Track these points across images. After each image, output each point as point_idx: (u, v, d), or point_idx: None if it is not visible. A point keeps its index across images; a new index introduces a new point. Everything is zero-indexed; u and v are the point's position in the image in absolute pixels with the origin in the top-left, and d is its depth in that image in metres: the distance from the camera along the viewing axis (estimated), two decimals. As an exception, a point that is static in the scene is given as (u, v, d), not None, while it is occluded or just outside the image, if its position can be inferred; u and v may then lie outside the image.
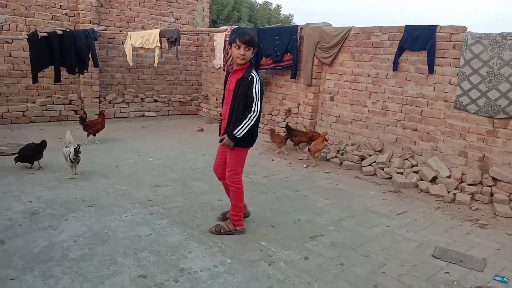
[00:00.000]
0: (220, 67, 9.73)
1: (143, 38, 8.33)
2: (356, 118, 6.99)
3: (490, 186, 5.09)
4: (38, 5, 8.05)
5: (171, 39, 8.19)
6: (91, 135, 6.90)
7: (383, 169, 5.95)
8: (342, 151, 6.68)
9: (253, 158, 6.57)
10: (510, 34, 5.03)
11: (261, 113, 3.58)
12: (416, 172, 5.74)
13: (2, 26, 7.72)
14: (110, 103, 9.16)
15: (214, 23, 14.12)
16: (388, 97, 6.48)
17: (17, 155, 5.37)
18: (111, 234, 3.61)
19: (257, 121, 3.53)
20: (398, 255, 3.55)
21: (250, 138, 3.59)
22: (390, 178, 5.78)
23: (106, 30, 8.84)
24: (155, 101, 9.92)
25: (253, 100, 3.43)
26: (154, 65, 8.72)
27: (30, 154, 5.33)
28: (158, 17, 9.79)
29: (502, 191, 4.96)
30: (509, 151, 5.15)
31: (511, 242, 3.94)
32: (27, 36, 7.23)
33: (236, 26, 8.45)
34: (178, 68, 10.35)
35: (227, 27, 8.61)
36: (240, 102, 3.48)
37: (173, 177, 5.34)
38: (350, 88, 7.06)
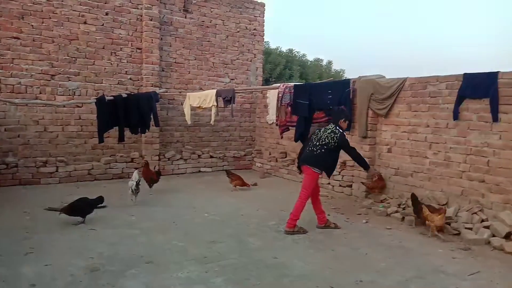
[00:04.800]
0: (272, 123, 9.88)
1: (201, 99, 8.73)
2: (417, 170, 6.69)
3: None
4: (106, 72, 8.78)
5: (227, 98, 8.50)
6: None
7: (449, 224, 5.54)
8: (404, 205, 6.33)
9: (309, 212, 6.39)
10: None
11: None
12: (487, 227, 5.28)
13: (75, 92, 8.46)
14: (169, 160, 9.51)
15: (266, 81, 14.58)
16: (450, 147, 6.17)
17: (67, 207, 5.46)
18: (167, 292, 3.58)
19: None
20: (476, 322, 3.19)
21: None
22: (459, 234, 5.36)
23: (166, 92, 9.38)
24: (211, 157, 10.18)
25: None
26: (211, 123, 9.03)
27: (83, 207, 5.53)
28: (215, 78, 10.29)
29: None
30: None
31: None
32: (95, 100, 7.83)
33: (289, 83, 8.68)
34: (233, 125, 10.66)
35: (279, 84, 8.83)
36: None
37: (228, 233, 5.30)
38: (408, 139, 6.83)
